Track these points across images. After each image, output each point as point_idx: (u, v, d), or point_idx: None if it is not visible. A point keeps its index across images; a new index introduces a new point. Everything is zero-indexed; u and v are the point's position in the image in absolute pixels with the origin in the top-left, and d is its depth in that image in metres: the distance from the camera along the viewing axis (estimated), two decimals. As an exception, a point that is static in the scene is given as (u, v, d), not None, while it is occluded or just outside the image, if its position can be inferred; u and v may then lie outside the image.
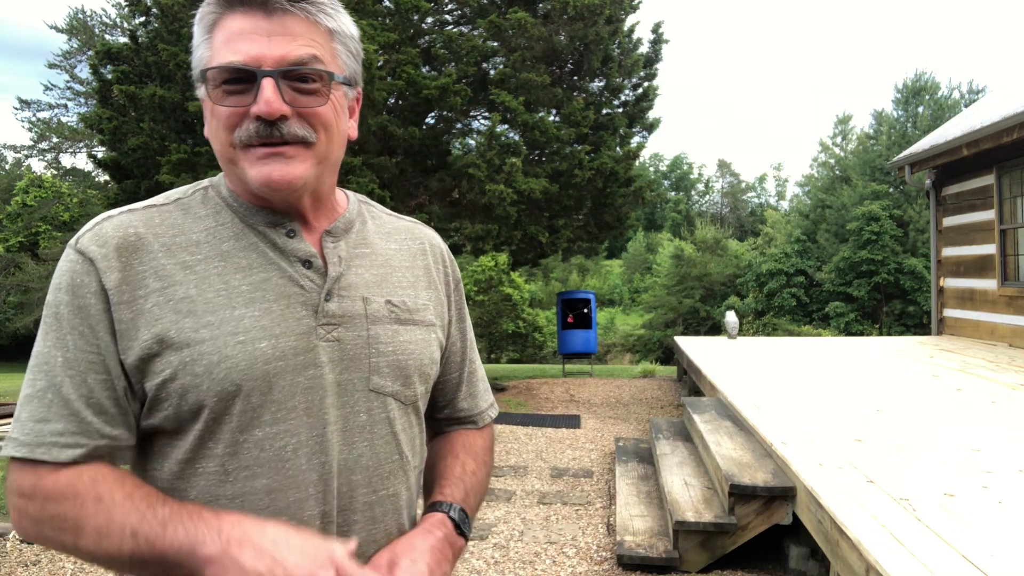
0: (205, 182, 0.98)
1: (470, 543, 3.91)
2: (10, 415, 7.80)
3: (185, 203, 0.94)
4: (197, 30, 0.90)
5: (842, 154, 36.62)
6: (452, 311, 1.10)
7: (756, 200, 64.13)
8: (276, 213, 0.93)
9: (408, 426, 1.00)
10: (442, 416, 1.14)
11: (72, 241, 0.88)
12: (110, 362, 0.85)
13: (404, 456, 0.99)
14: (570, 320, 10.99)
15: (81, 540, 0.82)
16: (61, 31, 25.93)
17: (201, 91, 0.89)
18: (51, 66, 26.18)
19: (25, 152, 28.96)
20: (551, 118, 8.33)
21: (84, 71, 24.37)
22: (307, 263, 0.93)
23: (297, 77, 0.86)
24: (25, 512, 0.84)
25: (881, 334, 25.11)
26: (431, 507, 1.03)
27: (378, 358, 0.95)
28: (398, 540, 0.95)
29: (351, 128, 0.97)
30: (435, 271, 1.08)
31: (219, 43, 0.87)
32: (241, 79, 0.85)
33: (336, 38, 0.92)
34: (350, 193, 1.07)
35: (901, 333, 24.67)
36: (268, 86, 0.84)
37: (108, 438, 0.85)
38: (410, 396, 0.99)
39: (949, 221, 9.52)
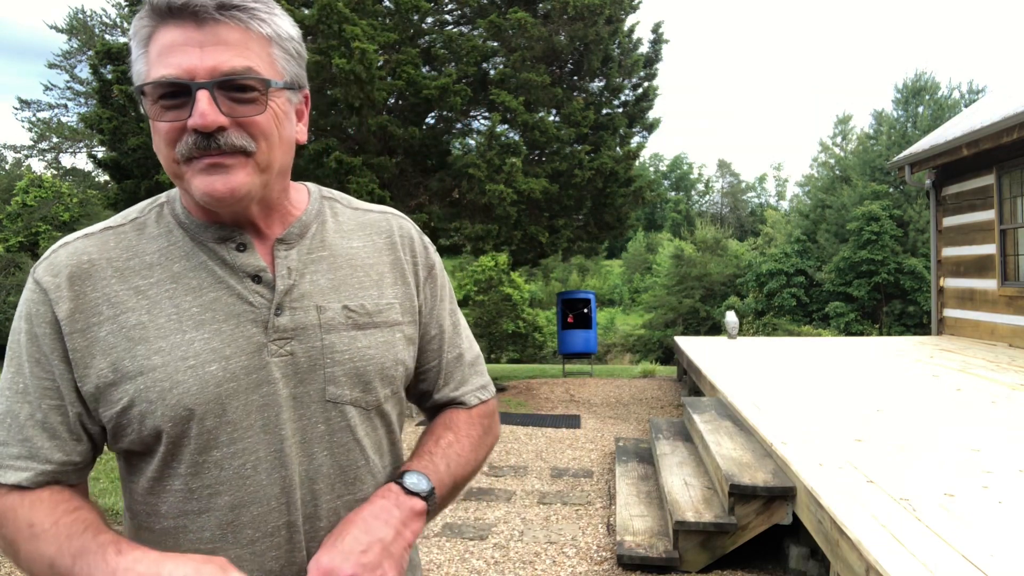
0: (163, 197, 0.98)
1: (470, 543, 3.91)
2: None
3: (141, 222, 0.95)
4: (133, 44, 0.88)
5: (842, 154, 36.65)
6: (423, 299, 1.06)
7: (756, 200, 64.21)
8: (225, 227, 0.92)
9: (372, 430, 0.99)
10: (429, 404, 1.13)
11: (32, 268, 0.91)
12: (64, 388, 0.88)
13: (370, 460, 0.98)
14: (570, 320, 10.99)
15: (18, 561, 0.86)
16: (61, 31, 25.95)
17: (143, 107, 0.88)
18: (51, 66, 26.20)
19: (25, 152, 28.98)
20: (551, 118, 8.33)
21: (84, 71, 24.38)
22: (256, 278, 0.92)
23: (233, 87, 0.85)
24: None
25: (881, 334, 25.11)
26: None
27: (334, 367, 0.94)
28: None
29: (299, 132, 0.96)
30: (405, 262, 1.05)
31: (154, 57, 0.85)
32: (177, 93, 0.84)
33: (273, 43, 0.89)
34: (313, 189, 1.05)
35: (901, 333, 24.67)
36: (203, 98, 0.83)
37: (55, 463, 0.88)
38: (372, 401, 0.97)
39: (949, 221, 9.52)
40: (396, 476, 0.99)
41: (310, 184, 1.06)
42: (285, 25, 0.92)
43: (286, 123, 0.91)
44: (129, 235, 0.93)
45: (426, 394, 1.12)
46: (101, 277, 0.89)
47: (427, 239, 1.11)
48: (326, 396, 0.93)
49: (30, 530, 0.85)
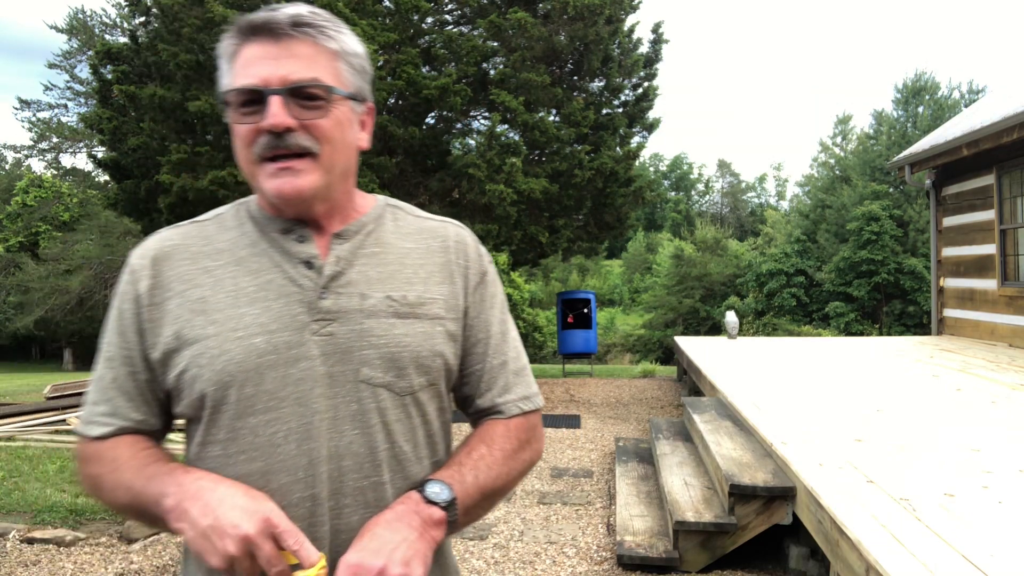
0: (244, 200, 1.11)
1: (470, 543, 3.91)
2: (10, 415, 7.80)
3: (223, 218, 1.08)
4: (221, 61, 1.02)
5: (842, 154, 36.63)
6: (471, 302, 1.10)
7: (756, 200, 64.16)
8: (289, 221, 1.04)
9: (405, 417, 1.02)
10: (472, 410, 1.15)
11: (129, 254, 1.07)
12: (135, 356, 1.02)
13: (398, 447, 1.01)
14: (570, 320, 10.99)
15: (102, 494, 1.02)
16: (61, 31, 25.95)
17: (227, 117, 1.00)
18: (51, 66, 26.20)
19: (25, 152, 28.98)
20: (551, 118, 8.33)
21: (84, 71, 24.38)
22: (308, 264, 1.02)
23: (301, 95, 0.96)
24: (79, 473, 1.05)
25: (881, 334, 25.11)
26: None
27: (369, 350, 1.00)
28: None
29: (362, 139, 1.06)
30: (455, 265, 1.10)
31: (237, 70, 0.98)
32: (253, 100, 0.96)
33: (340, 58, 1.01)
34: (381, 198, 1.14)
35: (901, 333, 24.67)
36: (275, 103, 0.94)
37: (132, 420, 1.03)
38: (405, 387, 1.01)
39: (949, 221, 9.52)
40: (418, 484, 1.00)
41: (380, 195, 1.15)
42: (352, 43, 1.04)
43: (348, 129, 1.02)
44: (209, 227, 1.07)
45: (469, 398, 1.14)
46: (178, 259, 1.03)
47: (483, 249, 1.17)
48: (360, 377, 0.99)
49: (113, 463, 0.99)
